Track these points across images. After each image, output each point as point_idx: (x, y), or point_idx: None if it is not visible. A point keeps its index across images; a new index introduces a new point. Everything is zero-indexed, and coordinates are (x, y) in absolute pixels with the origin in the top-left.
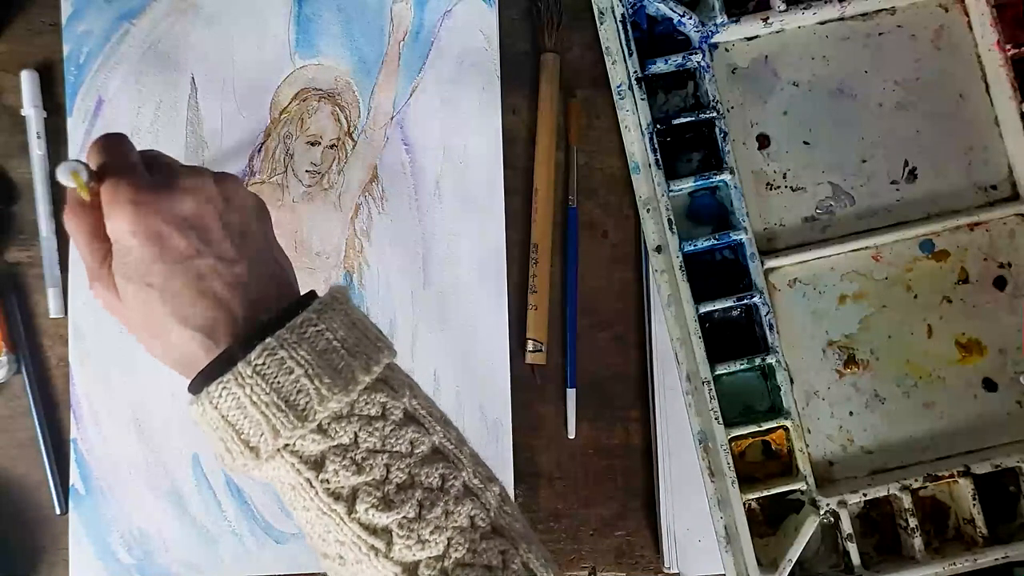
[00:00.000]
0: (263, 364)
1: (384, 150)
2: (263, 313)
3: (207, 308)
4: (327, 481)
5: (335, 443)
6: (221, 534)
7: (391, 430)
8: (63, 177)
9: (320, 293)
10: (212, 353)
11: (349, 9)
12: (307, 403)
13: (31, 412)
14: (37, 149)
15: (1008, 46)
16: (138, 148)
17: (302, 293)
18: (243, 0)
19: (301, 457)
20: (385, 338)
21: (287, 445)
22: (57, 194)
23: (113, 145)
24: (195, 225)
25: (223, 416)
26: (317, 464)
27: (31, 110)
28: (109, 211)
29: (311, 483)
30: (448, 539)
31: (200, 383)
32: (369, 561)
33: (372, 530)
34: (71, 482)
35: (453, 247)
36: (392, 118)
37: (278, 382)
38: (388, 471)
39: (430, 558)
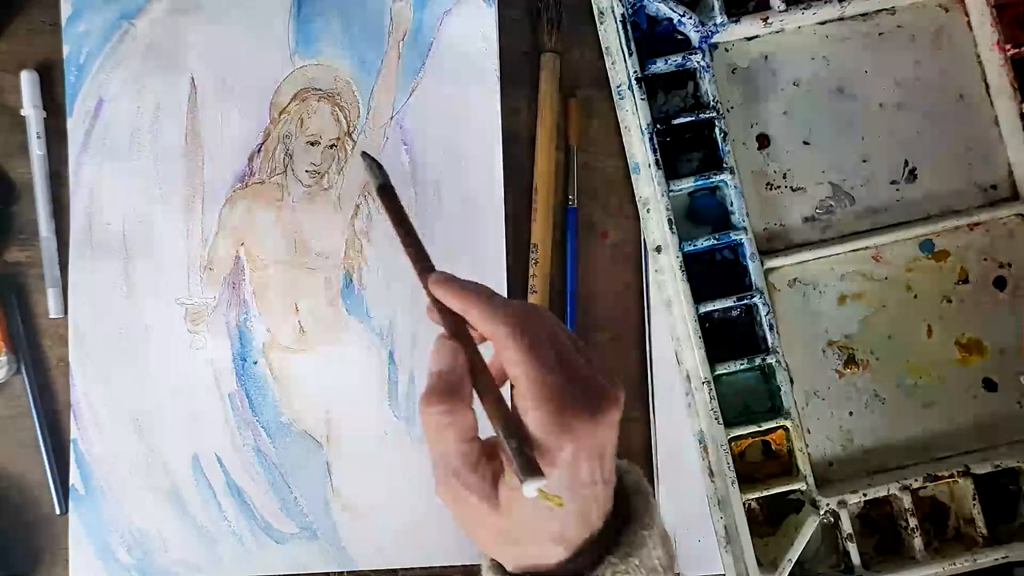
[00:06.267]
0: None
1: (384, 150)
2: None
3: (582, 529)
4: None
5: None
6: (221, 534)
7: None
8: (529, 490)
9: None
10: (559, 562)
11: (349, 9)
12: None
13: (31, 412)
14: (37, 149)
15: (1008, 46)
16: (139, 148)
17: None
18: (243, 0)
19: None
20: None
21: None
22: (57, 194)
23: (538, 348)
24: (602, 454)
25: None
26: None
27: (31, 110)
28: (551, 439)
29: None
30: None
31: None
32: None
33: None
34: (71, 482)
35: (453, 247)
36: (392, 118)
37: None
38: None
39: None
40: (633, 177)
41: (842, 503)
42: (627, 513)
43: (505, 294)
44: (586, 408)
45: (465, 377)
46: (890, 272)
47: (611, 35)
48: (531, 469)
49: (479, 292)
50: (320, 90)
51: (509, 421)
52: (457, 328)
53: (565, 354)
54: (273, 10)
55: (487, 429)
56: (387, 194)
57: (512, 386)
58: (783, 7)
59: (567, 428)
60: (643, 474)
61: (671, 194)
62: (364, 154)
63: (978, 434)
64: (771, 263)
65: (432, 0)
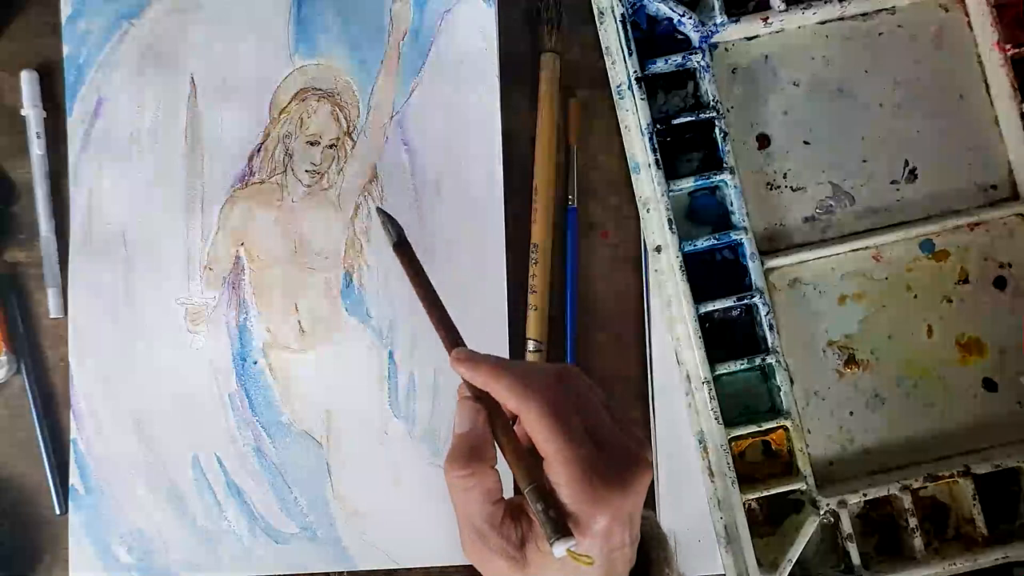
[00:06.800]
0: None
1: (384, 150)
2: None
3: None
4: None
5: None
6: (221, 534)
7: None
8: (559, 551)
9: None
10: None
11: (348, 9)
12: None
13: (31, 412)
14: (37, 149)
15: (1008, 46)
16: (138, 148)
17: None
18: (243, 0)
19: None
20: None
21: None
22: (57, 194)
23: (566, 423)
24: (631, 518)
25: None
26: None
27: (31, 110)
28: (584, 512)
29: None
30: None
31: None
32: None
33: None
34: (71, 482)
35: (453, 247)
36: (392, 118)
37: None
38: None
39: None
40: (633, 177)
41: (842, 503)
42: (646, 560)
43: (505, 294)
44: (617, 479)
45: (488, 438)
46: (890, 272)
47: (611, 35)
48: (559, 530)
49: (503, 368)
50: (320, 90)
51: (536, 482)
52: (478, 389)
53: (595, 421)
54: (273, 10)
55: (510, 488)
56: (403, 251)
57: (543, 457)
58: (783, 7)
59: (600, 500)
60: (658, 520)
61: (671, 194)
62: (379, 210)
63: (978, 434)
64: (771, 263)
65: (432, 0)
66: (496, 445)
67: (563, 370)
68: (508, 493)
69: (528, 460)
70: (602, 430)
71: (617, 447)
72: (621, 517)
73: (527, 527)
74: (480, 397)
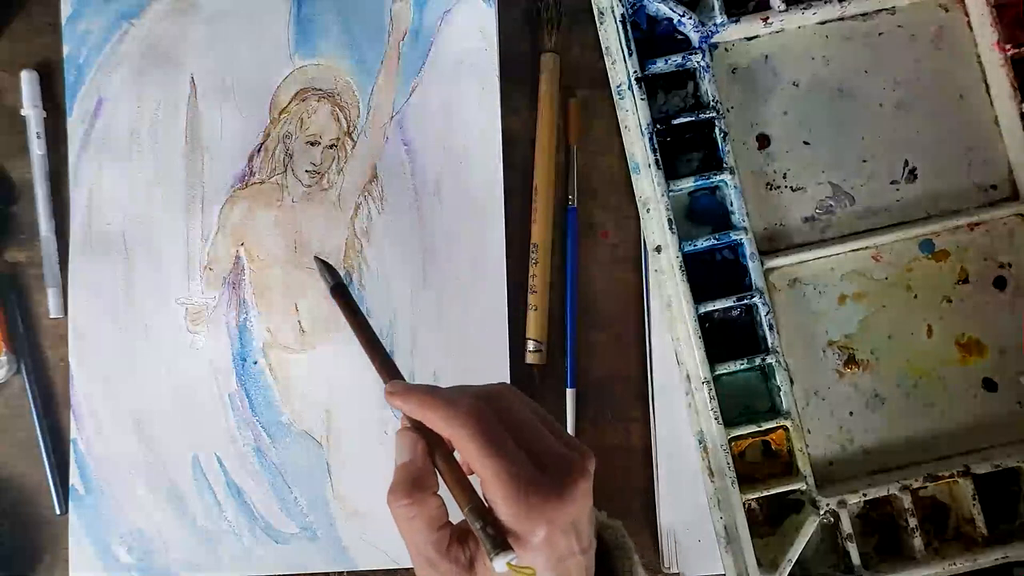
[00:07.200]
0: None
1: (384, 150)
2: None
3: None
4: None
5: None
6: (221, 534)
7: None
8: (499, 566)
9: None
10: None
11: (349, 9)
12: None
13: (31, 412)
14: (37, 149)
15: (1008, 46)
16: (138, 148)
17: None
18: (243, 0)
19: None
20: None
21: None
22: (57, 194)
23: (496, 442)
24: (577, 526)
25: None
26: None
27: (31, 110)
28: (523, 526)
29: None
30: None
31: None
32: None
33: None
34: (71, 482)
35: (453, 247)
36: (392, 118)
37: None
38: None
39: None
40: (633, 177)
41: (842, 503)
42: (610, 570)
43: (505, 294)
44: (553, 489)
45: (428, 467)
46: (890, 272)
47: (611, 35)
48: (499, 545)
49: (432, 397)
50: (320, 90)
51: (473, 502)
52: (415, 419)
53: (529, 436)
54: (273, 10)
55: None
56: (340, 294)
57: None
58: (783, 7)
59: (536, 513)
60: (624, 530)
61: (671, 194)
62: (316, 258)
63: (978, 434)
64: (771, 263)
65: (432, 0)
66: (438, 472)
67: (493, 391)
68: (457, 518)
69: (466, 483)
70: (538, 444)
71: (553, 458)
72: (563, 526)
73: (475, 548)
74: (419, 427)
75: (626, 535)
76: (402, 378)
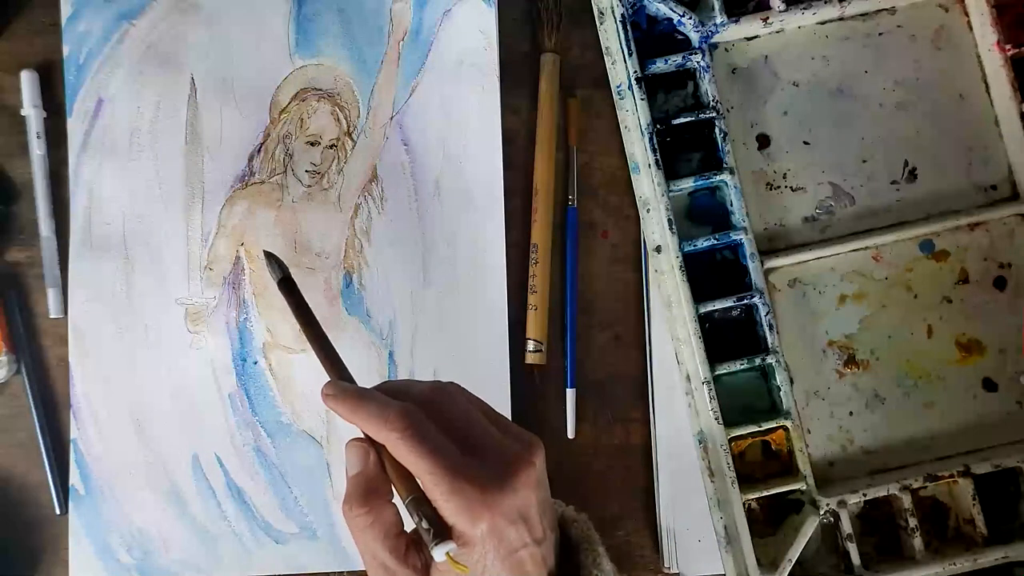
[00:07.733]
0: None
1: (384, 150)
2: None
3: None
4: None
5: None
6: (221, 534)
7: None
8: (439, 555)
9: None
10: None
11: (349, 9)
12: None
13: (31, 412)
14: (37, 149)
15: (1008, 46)
16: (138, 148)
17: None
18: (243, 0)
19: None
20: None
21: None
22: (57, 194)
23: (427, 443)
24: (526, 516)
25: None
26: None
27: (31, 110)
28: (464, 521)
29: None
30: None
31: None
32: None
33: None
34: (71, 482)
35: (453, 247)
36: (392, 118)
37: None
38: None
39: None
40: (633, 177)
41: (842, 503)
42: (573, 563)
43: (505, 294)
44: (493, 480)
45: (381, 475)
46: (890, 272)
47: (611, 35)
48: (439, 534)
49: (362, 401)
50: (320, 90)
51: (413, 493)
52: None
53: (467, 431)
54: (273, 10)
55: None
56: (288, 288)
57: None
58: (783, 7)
59: (476, 505)
60: (590, 522)
61: (671, 194)
62: (265, 251)
63: (978, 434)
64: (771, 263)
65: (432, 0)
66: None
67: (431, 391)
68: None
69: (409, 478)
70: (477, 438)
71: (493, 451)
72: (509, 516)
73: (429, 552)
74: (367, 435)
75: (591, 527)
76: (349, 376)
